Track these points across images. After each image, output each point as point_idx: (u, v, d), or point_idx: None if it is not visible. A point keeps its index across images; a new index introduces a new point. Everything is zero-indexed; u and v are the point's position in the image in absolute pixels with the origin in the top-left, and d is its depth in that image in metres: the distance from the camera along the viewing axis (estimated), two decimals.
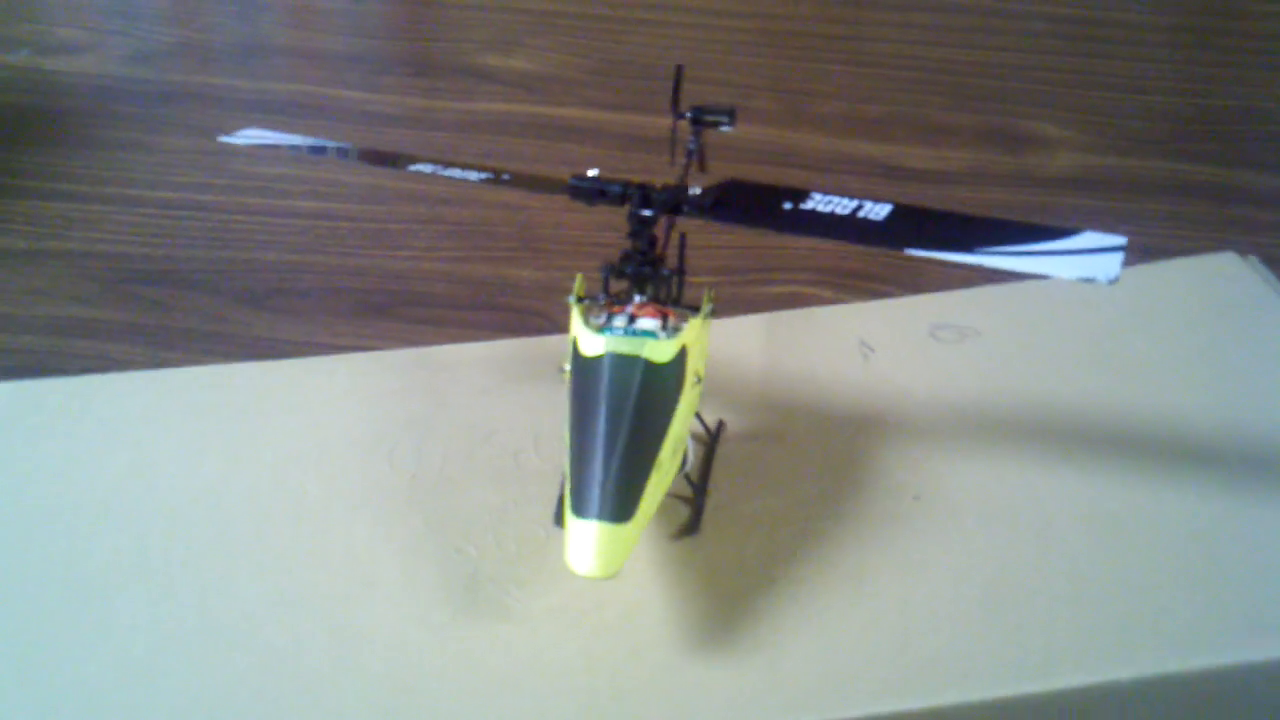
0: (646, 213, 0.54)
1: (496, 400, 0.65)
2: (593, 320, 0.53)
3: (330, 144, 0.61)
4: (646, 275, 0.54)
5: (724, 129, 0.62)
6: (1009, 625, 0.52)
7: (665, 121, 0.58)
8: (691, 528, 0.57)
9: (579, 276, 0.56)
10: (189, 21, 1.31)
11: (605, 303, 0.54)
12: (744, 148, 1.05)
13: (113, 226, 0.95)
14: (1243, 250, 0.74)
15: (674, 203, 0.54)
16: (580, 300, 0.54)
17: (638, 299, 0.54)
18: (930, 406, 0.64)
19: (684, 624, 0.52)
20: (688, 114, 0.62)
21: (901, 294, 0.74)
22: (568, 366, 0.53)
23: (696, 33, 1.28)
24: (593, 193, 0.54)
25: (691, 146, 0.63)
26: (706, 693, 0.49)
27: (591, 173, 0.54)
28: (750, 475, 0.60)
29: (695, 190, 0.54)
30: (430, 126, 1.10)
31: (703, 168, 0.63)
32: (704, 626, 0.52)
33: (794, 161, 1.04)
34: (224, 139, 0.58)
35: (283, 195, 0.99)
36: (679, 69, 0.60)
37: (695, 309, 0.54)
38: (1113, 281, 0.46)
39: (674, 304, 0.55)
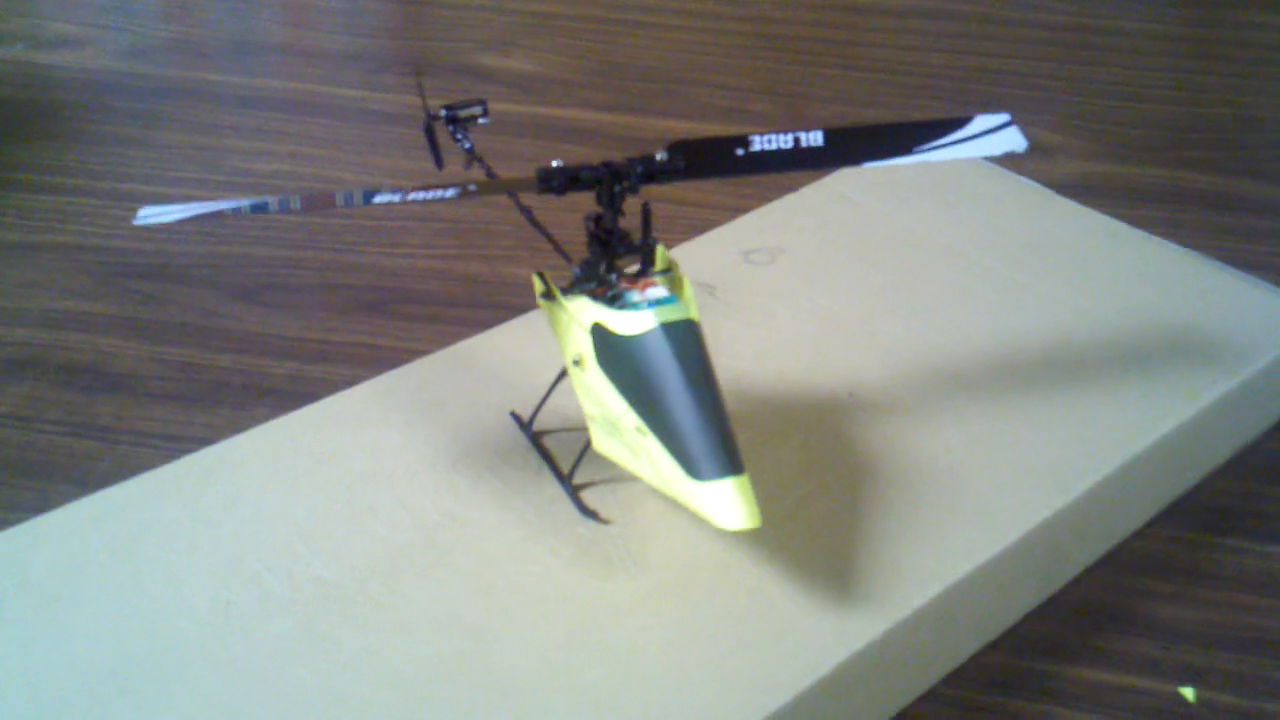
0: (627, 188, 0.53)
1: (421, 433, 0.63)
2: (599, 303, 0.53)
3: (268, 200, 0.51)
4: (621, 251, 0.54)
5: (481, 121, 0.63)
6: (1013, 467, 0.61)
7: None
8: None
9: (542, 274, 0.57)
10: (185, 17, 1.30)
11: (592, 289, 0.54)
12: None
13: (107, 221, 0.94)
14: (1243, 258, 0.74)
15: (649, 173, 0.54)
16: (566, 291, 0.55)
17: (615, 276, 0.54)
18: (796, 320, 0.67)
19: (776, 563, 0.55)
20: (442, 113, 0.62)
21: None
22: (585, 357, 0.53)
23: (693, 35, 1.28)
24: (564, 182, 0.53)
25: (469, 146, 0.63)
26: (849, 608, 0.53)
27: (555, 163, 0.53)
28: None
29: (661, 155, 0.54)
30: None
31: (469, 162, 0.64)
32: (793, 557, 0.55)
33: None
34: (137, 221, 0.51)
35: (277, 191, 0.98)
36: (418, 75, 0.61)
37: (664, 271, 0.55)
38: (1026, 149, 0.57)
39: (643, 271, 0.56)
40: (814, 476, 0.60)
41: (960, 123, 0.57)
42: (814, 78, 1.19)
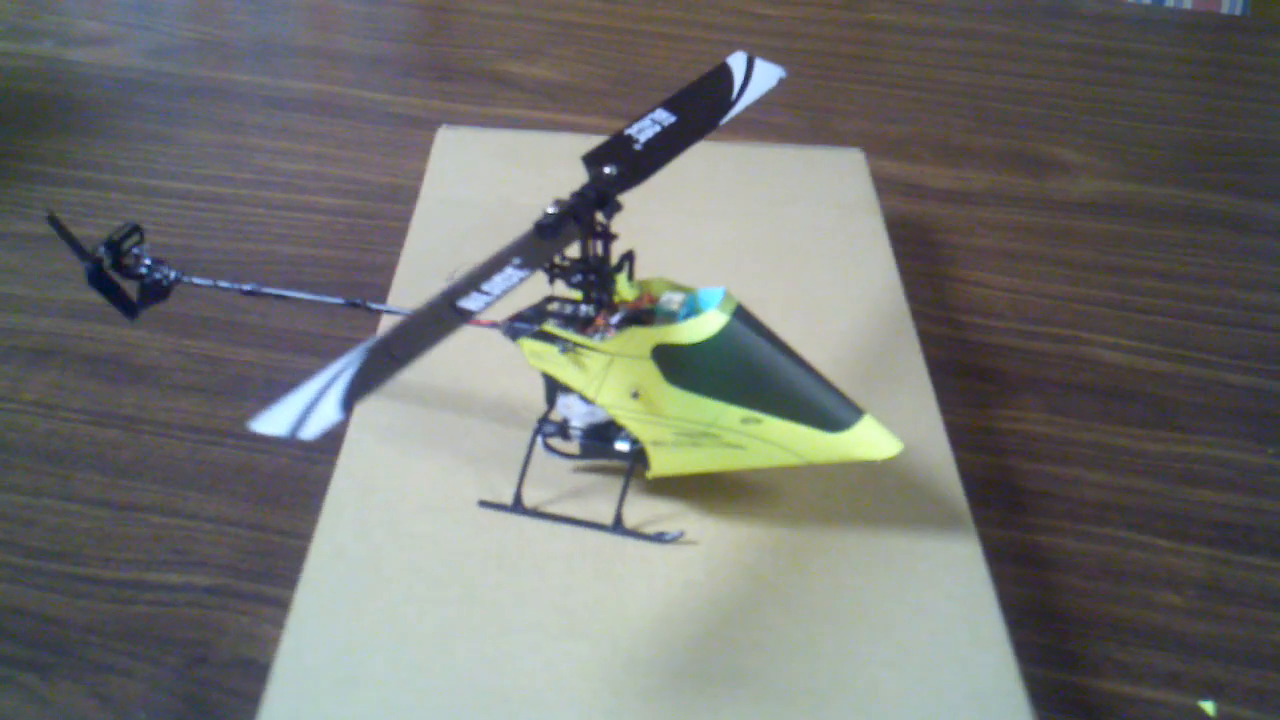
0: (609, 208, 0.53)
1: (424, 551, 0.57)
2: (649, 327, 0.53)
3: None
4: (609, 281, 0.54)
5: (145, 244, 0.63)
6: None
7: None
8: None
9: (544, 333, 0.55)
10: (210, 19, 1.31)
11: (594, 324, 0.54)
12: None
13: (132, 215, 0.94)
14: (1264, 280, 0.74)
15: (621, 188, 0.54)
16: (592, 333, 0.54)
17: (584, 309, 0.54)
18: None
19: (849, 499, 0.59)
20: (100, 250, 0.61)
21: None
22: (646, 386, 0.53)
23: (717, 48, 1.27)
24: (567, 222, 0.51)
25: (164, 278, 0.62)
26: (939, 520, 0.58)
27: (551, 209, 0.51)
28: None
29: (610, 170, 0.54)
30: None
31: (149, 299, 0.63)
32: (848, 486, 0.59)
33: None
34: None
35: (303, 191, 0.99)
36: (52, 221, 0.60)
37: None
38: (786, 72, 0.63)
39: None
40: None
41: (727, 70, 0.62)
42: (837, 93, 1.19)
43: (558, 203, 0.52)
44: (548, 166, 0.86)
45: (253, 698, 0.57)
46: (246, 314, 0.84)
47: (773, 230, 0.81)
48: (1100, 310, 0.88)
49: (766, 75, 0.62)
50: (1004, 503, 0.70)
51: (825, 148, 0.91)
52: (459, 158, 0.87)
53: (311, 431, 0.40)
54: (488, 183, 0.84)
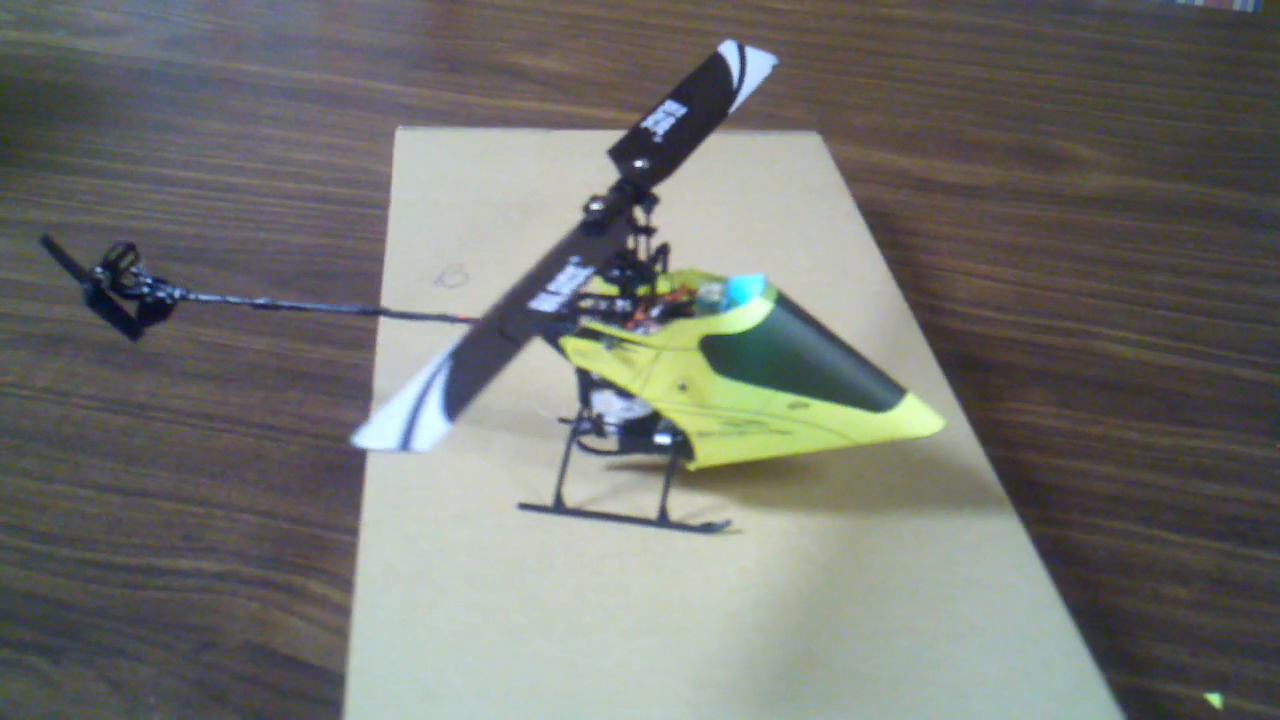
0: (646, 203, 0.53)
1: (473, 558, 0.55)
2: (697, 319, 0.53)
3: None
4: (648, 275, 0.54)
5: (141, 262, 0.61)
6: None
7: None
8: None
9: (589, 330, 0.54)
10: (222, 9, 1.32)
11: (633, 319, 0.54)
12: None
13: (144, 204, 0.95)
14: (1274, 275, 0.74)
15: (655, 180, 0.54)
16: (638, 326, 0.54)
17: (622, 303, 0.54)
18: None
19: (882, 478, 0.59)
20: (98, 271, 0.60)
21: None
22: (693, 377, 0.53)
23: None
24: (614, 219, 0.51)
25: (168, 296, 0.61)
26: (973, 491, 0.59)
27: (595, 206, 0.51)
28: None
29: (640, 164, 0.54)
30: (463, 122, 1.10)
31: (150, 317, 0.63)
32: (877, 463, 0.59)
33: None
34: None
35: (315, 181, 0.99)
36: (47, 242, 0.60)
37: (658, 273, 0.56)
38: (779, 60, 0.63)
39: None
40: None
41: (722, 59, 0.62)
42: (849, 86, 1.19)
43: (599, 199, 0.51)
44: (512, 164, 0.85)
45: (261, 683, 0.58)
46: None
47: (746, 218, 0.80)
48: (1110, 304, 0.88)
49: (761, 63, 0.62)
50: (1013, 495, 0.70)
51: (782, 133, 0.90)
52: (422, 159, 0.86)
53: (423, 443, 0.39)
54: (455, 182, 0.83)
